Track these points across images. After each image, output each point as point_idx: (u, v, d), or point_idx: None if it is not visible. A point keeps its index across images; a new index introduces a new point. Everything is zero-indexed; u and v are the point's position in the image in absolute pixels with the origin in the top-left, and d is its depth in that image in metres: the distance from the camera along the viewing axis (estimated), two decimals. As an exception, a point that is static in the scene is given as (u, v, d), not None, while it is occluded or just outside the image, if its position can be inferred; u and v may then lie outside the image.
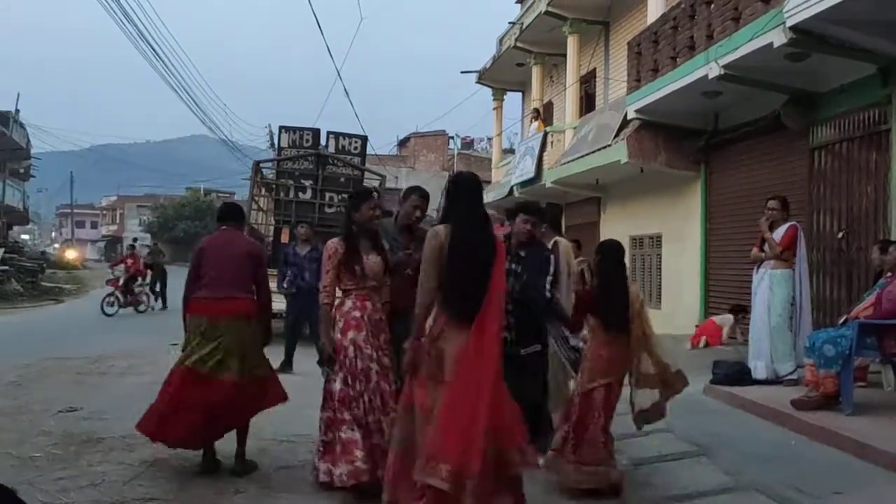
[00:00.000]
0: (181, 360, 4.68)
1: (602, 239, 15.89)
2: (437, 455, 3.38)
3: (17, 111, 35.89)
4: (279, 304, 9.39)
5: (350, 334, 4.29)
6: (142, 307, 17.43)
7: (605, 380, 4.28)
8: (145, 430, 4.62)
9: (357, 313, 4.34)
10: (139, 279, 17.78)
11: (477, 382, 3.46)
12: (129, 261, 17.70)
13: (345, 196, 12.57)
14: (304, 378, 7.26)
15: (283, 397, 4.87)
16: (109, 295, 16.62)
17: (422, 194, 4.97)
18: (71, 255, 51.68)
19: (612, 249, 4.51)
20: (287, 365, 8.35)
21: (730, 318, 9.83)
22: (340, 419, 4.18)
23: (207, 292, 4.75)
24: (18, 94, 35.75)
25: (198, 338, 4.66)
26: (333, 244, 4.43)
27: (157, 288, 18.53)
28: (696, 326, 10.47)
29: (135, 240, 23.08)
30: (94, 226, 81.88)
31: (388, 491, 3.65)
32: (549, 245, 5.33)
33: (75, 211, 69.26)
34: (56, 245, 62.87)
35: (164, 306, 17.88)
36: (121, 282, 17.15)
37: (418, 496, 3.43)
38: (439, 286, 3.60)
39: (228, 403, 4.56)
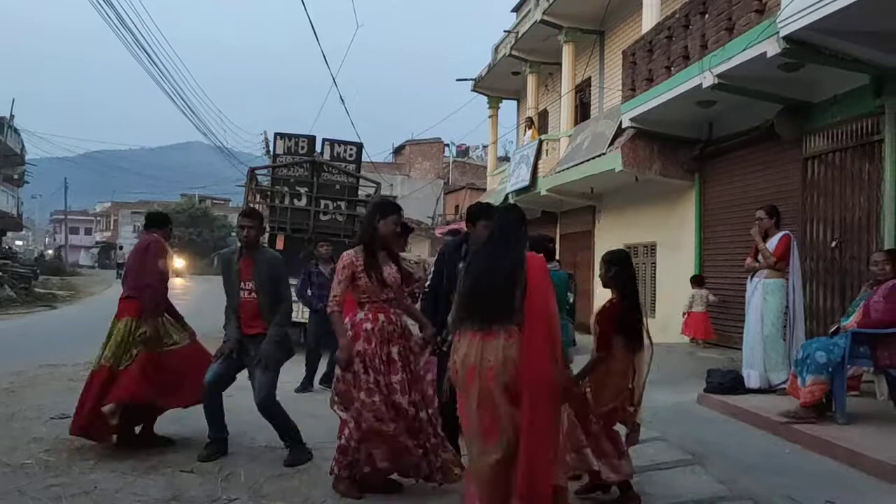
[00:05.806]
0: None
1: (599, 247, 15.85)
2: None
3: (12, 116, 35.81)
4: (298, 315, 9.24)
5: (357, 345, 4.24)
6: None
7: (619, 398, 4.14)
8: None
9: (368, 325, 4.29)
10: None
11: (497, 402, 3.41)
12: None
13: (340, 204, 12.68)
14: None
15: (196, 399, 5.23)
16: None
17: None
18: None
19: (627, 258, 4.41)
20: (308, 384, 8.11)
21: (702, 292, 10.63)
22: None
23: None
24: (14, 100, 35.72)
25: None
26: (350, 256, 4.37)
27: None
28: (683, 321, 11.01)
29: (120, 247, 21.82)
30: (88, 232, 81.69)
31: None
32: None
33: (69, 217, 69.06)
34: (50, 251, 62.64)
35: None
36: None
37: None
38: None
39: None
